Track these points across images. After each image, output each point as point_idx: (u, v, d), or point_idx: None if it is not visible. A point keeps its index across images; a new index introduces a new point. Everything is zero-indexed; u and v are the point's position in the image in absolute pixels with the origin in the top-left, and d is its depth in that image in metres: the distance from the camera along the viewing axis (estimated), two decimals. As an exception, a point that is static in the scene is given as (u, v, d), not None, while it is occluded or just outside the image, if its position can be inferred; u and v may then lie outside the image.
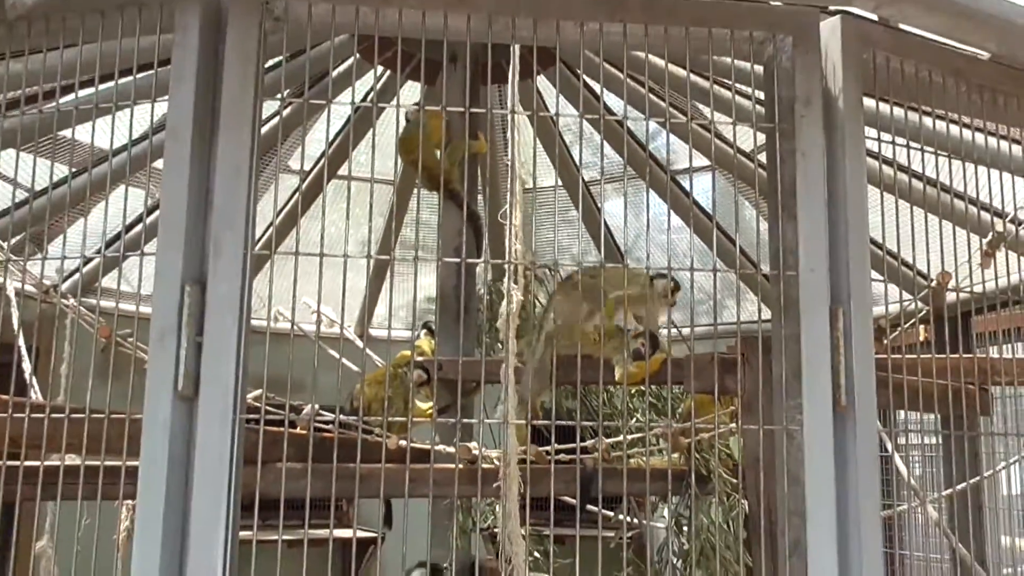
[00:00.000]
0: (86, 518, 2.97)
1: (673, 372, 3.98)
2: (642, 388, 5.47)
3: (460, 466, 4.30)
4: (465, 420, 3.97)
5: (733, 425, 4.59)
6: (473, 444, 4.46)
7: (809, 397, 2.80)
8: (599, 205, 7.68)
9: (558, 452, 4.86)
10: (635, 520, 6.61)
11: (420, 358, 5.39)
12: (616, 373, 4.22)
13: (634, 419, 6.31)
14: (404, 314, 9.20)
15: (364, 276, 8.83)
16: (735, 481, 5.22)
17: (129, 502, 4.11)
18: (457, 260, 4.05)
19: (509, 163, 4.08)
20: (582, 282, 4.25)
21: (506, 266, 3.90)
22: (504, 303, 4.01)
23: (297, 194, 7.81)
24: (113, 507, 4.80)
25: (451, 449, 4.54)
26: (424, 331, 5.97)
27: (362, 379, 4.83)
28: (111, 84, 2.91)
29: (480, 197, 6.79)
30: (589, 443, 4.92)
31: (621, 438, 4.99)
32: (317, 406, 4.29)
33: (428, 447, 4.39)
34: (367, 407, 4.95)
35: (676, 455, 5.20)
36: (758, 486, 3.44)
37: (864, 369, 2.80)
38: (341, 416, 4.36)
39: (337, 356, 3.91)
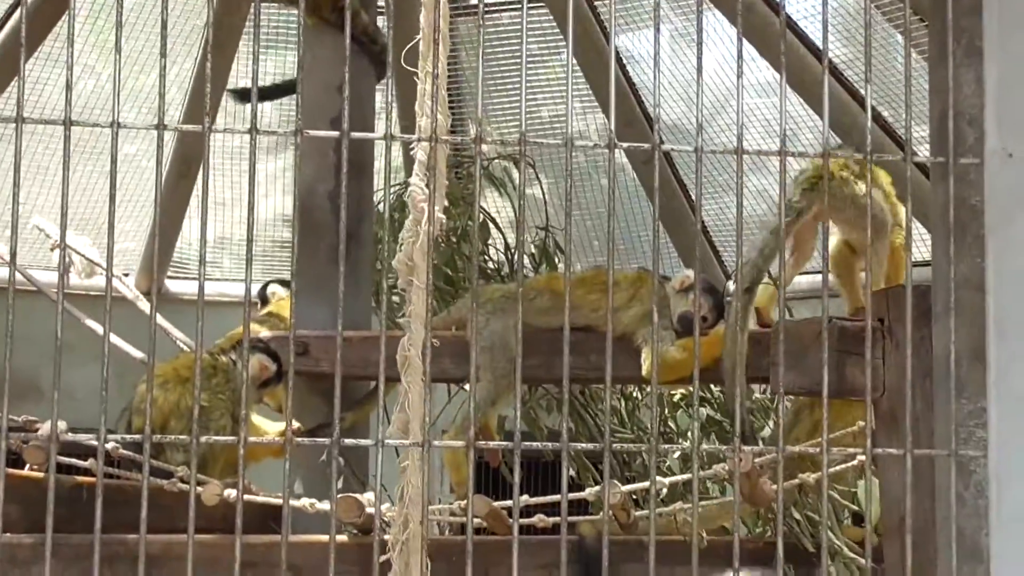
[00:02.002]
0: None
1: (751, 357, 3.31)
2: (689, 389, 4.87)
3: (342, 537, 3.92)
4: (350, 442, 2.60)
5: (861, 454, 3.66)
6: (367, 496, 3.84)
7: (1001, 396, 2.35)
8: (608, 33, 6.77)
9: (530, 511, 4.11)
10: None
11: (266, 333, 4.82)
12: (643, 360, 3.84)
13: (677, 447, 5.13)
14: (235, 250, 7.54)
15: (154, 173, 7.11)
16: (863, 561, 4.32)
17: None
18: (335, 135, 2.50)
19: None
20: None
21: (419, 147, 2.91)
22: (411, 223, 2.97)
23: (19, 15, 6.41)
24: None
25: (324, 505, 4.07)
26: (277, 287, 5.50)
27: (149, 374, 3.59)
28: None
29: (384, 16, 5.64)
30: (590, 493, 4.25)
31: (649, 484, 4.20)
32: (64, 424, 3.03)
33: (279, 501, 3.90)
34: (160, 426, 4.41)
35: (754, 509, 4.59)
36: (904, 565, 2.61)
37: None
38: (110, 442, 3.33)
39: (100, 329, 2.83)
